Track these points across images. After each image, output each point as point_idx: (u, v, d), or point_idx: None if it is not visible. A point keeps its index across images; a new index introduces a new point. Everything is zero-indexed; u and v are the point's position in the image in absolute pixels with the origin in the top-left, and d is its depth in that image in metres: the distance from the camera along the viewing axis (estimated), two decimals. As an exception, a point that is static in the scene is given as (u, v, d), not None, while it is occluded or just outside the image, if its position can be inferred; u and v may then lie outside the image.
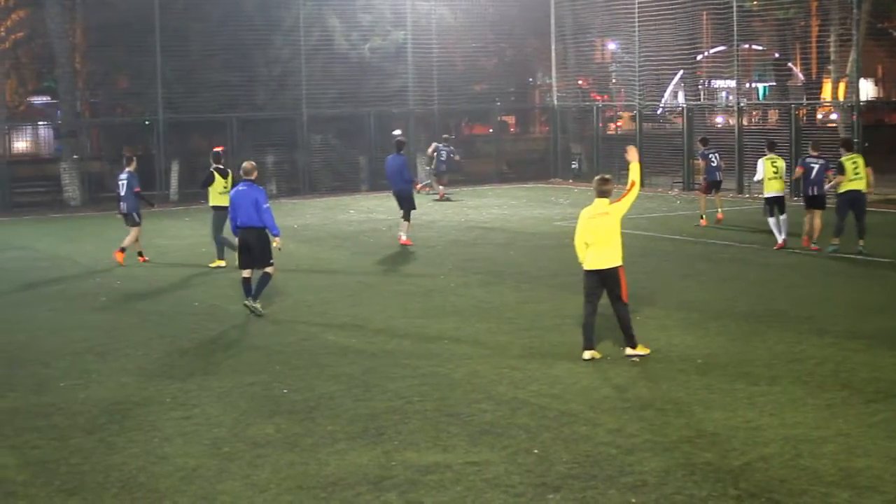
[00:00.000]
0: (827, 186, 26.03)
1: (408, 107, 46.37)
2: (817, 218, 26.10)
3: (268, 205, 19.24)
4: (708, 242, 27.76)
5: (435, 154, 41.21)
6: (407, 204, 28.24)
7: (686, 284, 21.76)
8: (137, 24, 40.70)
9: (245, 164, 19.81)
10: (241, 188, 19.40)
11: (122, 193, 25.70)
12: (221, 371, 15.50)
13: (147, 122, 41.90)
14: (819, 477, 10.67)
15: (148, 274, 24.21)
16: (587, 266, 15.58)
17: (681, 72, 46.93)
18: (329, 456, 11.60)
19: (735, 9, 40.49)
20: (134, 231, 25.72)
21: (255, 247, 19.28)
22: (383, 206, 38.38)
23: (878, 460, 11.11)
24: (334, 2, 44.34)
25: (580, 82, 51.39)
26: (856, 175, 25.04)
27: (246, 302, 19.34)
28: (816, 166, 26.00)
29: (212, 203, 25.05)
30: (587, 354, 15.62)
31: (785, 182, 27.01)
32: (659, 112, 48.19)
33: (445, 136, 42.77)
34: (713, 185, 31.74)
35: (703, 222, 31.30)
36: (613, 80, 51.09)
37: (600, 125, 47.90)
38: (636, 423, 12.57)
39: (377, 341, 17.19)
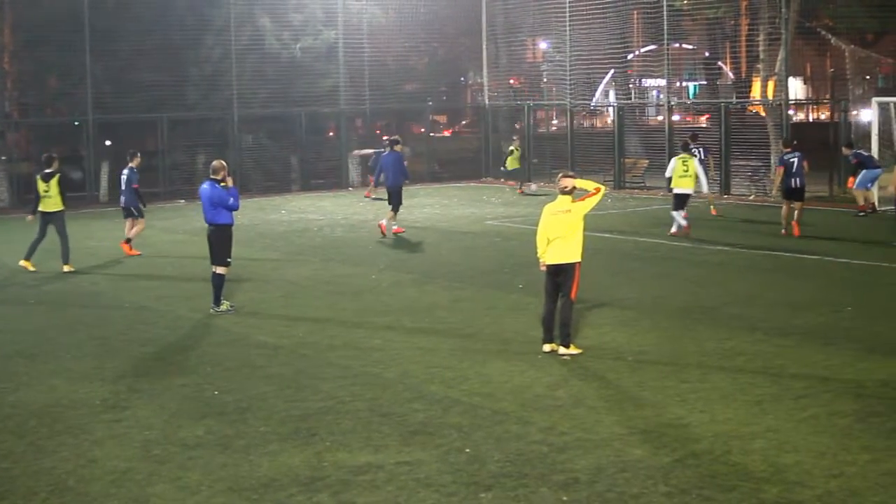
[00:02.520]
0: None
1: (339, 107, 46.23)
2: (798, 209, 27.75)
3: (232, 200, 19.29)
4: (638, 240, 27.92)
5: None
6: (396, 199, 29.20)
7: (617, 282, 21.86)
8: (66, 23, 40.16)
9: (213, 163, 19.90)
10: (204, 186, 19.56)
11: (122, 188, 26.64)
12: (152, 373, 15.39)
13: (76, 123, 41.43)
14: (749, 472, 10.77)
15: (78, 276, 23.95)
16: (547, 260, 15.74)
17: (612, 71, 47.17)
18: (261, 457, 11.55)
19: (665, 8, 40.74)
20: (129, 223, 26.95)
21: (213, 243, 19.51)
22: (314, 206, 38.28)
23: (807, 455, 11.23)
24: (265, 1, 44.09)
25: (512, 81, 51.48)
26: None
27: (212, 309, 19.61)
28: (795, 160, 27.57)
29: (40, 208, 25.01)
30: (546, 347, 15.88)
31: (694, 181, 28.48)
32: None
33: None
34: None
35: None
36: (545, 80, 51.24)
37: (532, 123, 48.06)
38: (567, 421, 12.62)
39: (309, 341, 17.14)
